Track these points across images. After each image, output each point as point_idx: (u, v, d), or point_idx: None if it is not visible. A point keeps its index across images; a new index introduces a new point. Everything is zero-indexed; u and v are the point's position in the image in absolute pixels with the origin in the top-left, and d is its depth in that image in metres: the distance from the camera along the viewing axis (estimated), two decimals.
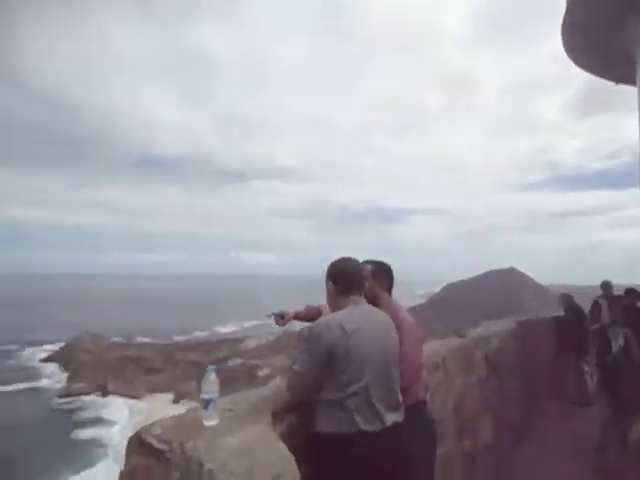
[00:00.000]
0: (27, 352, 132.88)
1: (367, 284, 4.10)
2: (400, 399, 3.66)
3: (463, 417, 7.00)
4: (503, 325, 12.08)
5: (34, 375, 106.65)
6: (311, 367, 3.45)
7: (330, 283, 4.04)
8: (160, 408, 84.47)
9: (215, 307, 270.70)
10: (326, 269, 4.24)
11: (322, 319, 3.66)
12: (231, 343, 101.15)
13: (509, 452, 9.07)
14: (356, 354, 3.36)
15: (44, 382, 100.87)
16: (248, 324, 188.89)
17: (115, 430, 70.98)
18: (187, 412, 3.78)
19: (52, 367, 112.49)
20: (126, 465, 3.22)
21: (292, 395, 3.69)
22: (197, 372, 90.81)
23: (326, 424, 3.42)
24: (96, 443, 65.44)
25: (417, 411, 4.16)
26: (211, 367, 3.86)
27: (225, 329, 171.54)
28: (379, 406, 3.39)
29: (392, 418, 3.52)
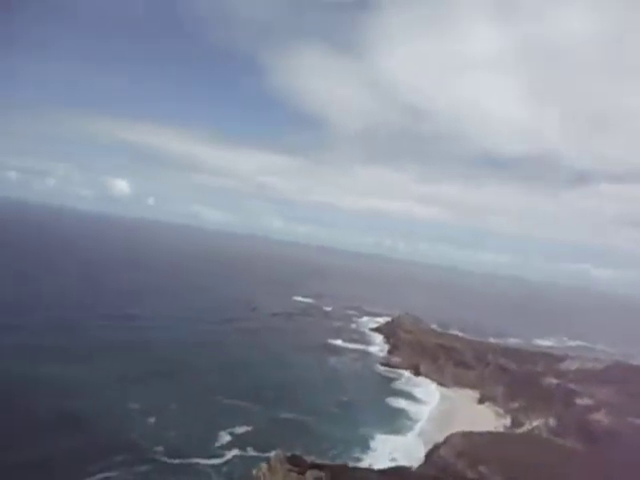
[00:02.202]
0: (363, 320, 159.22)
1: None
2: None
3: None
4: None
5: (366, 340, 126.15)
6: None
7: None
8: (466, 403, 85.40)
9: (537, 316, 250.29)
10: None
11: None
12: (548, 359, 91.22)
13: None
14: None
15: (372, 348, 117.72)
16: (572, 343, 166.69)
17: (424, 409, 76.54)
18: None
19: (378, 337, 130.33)
20: None
21: None
22: (506, 378, 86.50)
23: None
24: (405, 415, 71.92)
25: None
26: None
27: (543, 342, 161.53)
28: None
29: None
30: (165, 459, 45.53)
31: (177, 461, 45.46)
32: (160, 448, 47.15)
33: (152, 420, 53.45)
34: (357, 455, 53.67)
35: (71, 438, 45.57)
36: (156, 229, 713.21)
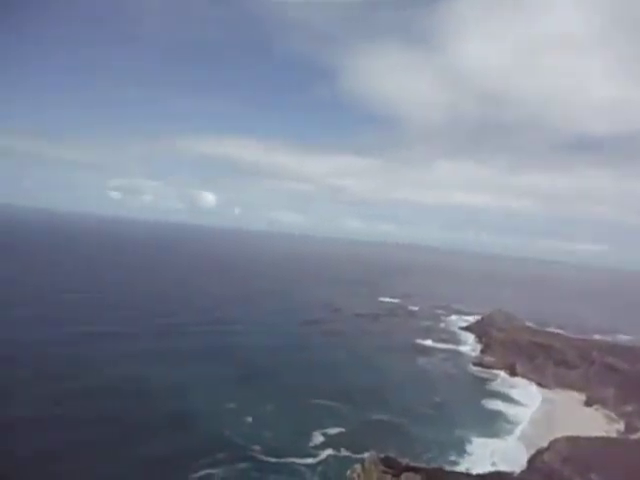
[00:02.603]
0: (452, 319, 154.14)
1: None
2: None
3: None
4: None
5: (456, 340, 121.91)
6: None
7: None
8: (570, 406, 78.95)
9: None
10: None
11: None
12: None
13: None
14: None
15: (462, 348, 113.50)
16: None
17: (524, 411, 72.25)
18: None
19: (469, 336, 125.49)
20: None
21: None
22: (616, 378, 78.86)
23: None
24: (504, 418, 68.20)
25: None
26: None
27: None
28: None
29: None
30: (262, 457, 47.45)
31: (273, 459, 47.13)
32: (257, 447, 49.22)
33: (249, 420, 55.99)
34: (453, 459, 52.02)
35: (177, 436, 49.27)
36: (240, 237, 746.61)
